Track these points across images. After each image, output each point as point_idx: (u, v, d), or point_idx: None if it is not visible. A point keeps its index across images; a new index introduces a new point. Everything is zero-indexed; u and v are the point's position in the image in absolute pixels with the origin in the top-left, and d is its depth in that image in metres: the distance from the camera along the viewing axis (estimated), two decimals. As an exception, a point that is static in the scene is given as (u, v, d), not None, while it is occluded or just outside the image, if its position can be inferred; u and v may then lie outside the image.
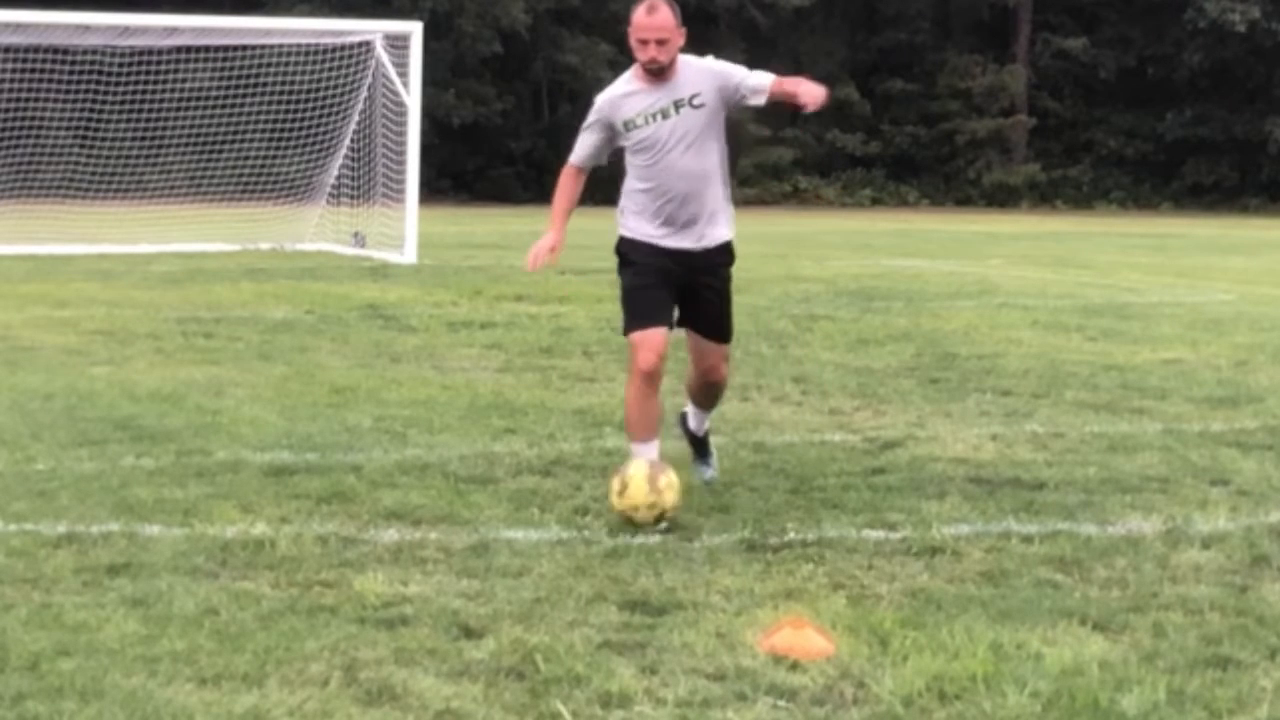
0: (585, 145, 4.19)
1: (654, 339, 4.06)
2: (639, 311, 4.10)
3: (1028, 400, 6.20)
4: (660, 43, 4.00)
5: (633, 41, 4.07)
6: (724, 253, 4.20)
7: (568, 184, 4.20)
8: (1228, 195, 33.34)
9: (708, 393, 4.35)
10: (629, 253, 4.17)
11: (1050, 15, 34.33)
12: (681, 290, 4.15)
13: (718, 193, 4.14)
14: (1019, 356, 7.50)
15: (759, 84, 4.05)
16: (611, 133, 4.13)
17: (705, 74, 4.08)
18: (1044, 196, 33.64)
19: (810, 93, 3.94)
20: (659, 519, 3.88)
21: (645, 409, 4.09)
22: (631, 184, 4.16)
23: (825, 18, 33.41)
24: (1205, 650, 3.10)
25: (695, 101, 4.05)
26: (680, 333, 4.29)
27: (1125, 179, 34.24)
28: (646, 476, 3.88)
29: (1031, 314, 9.50)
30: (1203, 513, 4.25)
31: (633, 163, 4.14)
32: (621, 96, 4.10)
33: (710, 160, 4.10)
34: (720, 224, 4.17)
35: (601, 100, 4.17)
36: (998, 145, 33.99)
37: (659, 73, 4.04)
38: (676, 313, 4.18)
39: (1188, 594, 3.48)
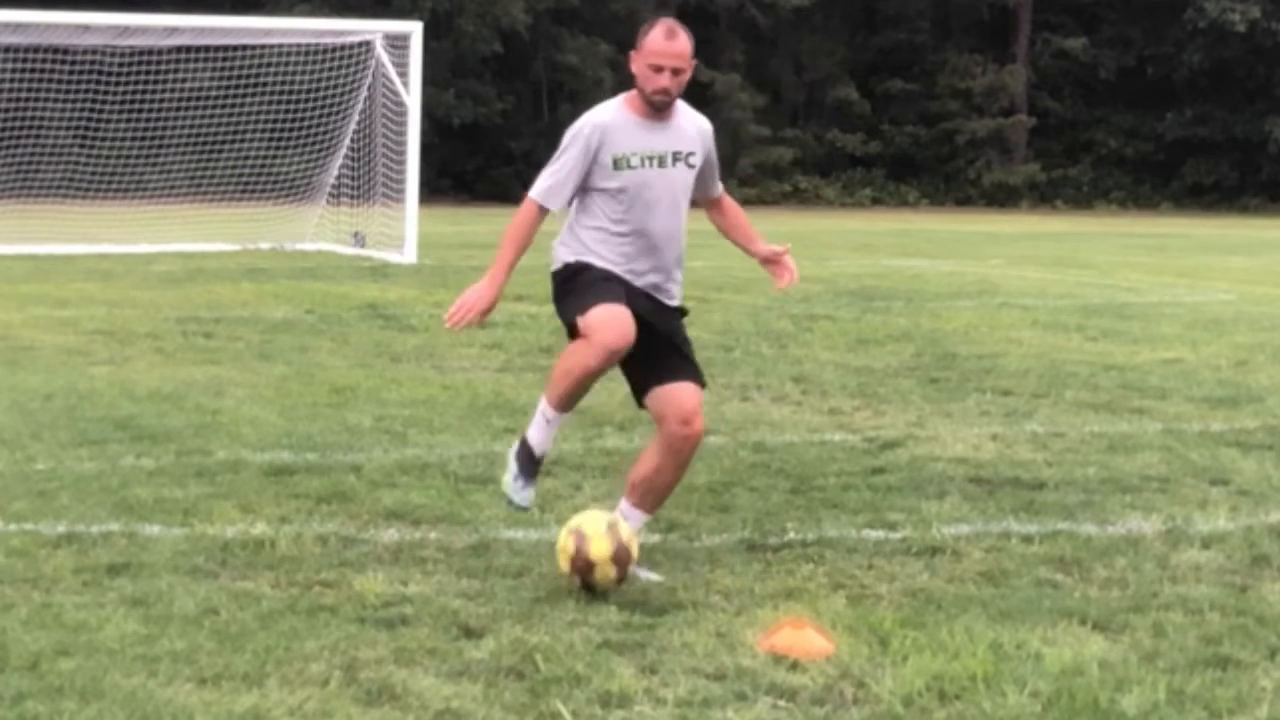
0: (559, 176, 3.53)
1: (618, 315, 3.41)
2: (600, 293, 3.46)
3: (1028, 400, 6.22)
4: (676, 72, 3.49)
5: (641, 67, 3.51)
6: (678, 312, 3.67)
7: (529, 226, 3.52)
8: (1227, 195, 33.53)
9: (671, 468, 3.54)
10: (587, 265, 3.53)
11: (1050, 15, 34.48)
12: (640, 332, 3.47)
13: (679, 255, 3.64)
14: (1019, 356, 7.52)
15: (714, 189, 3.73)
16: (591, 165, 3.52)
17: (703, 137, 3.64)
18: (1044, 196, 33.80)
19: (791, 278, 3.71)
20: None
21: (584, 387, 3.47)
22: (597, 222, 3.56)
23: (825, 18, 33.48)
24: (1205, 650, 3.11)
25: (691, 160, 3.60)
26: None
27: (1125, 179, 34.42)
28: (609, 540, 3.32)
29: (1031, 314, 9.52)
30: (1203, 512, 4.26)
31: (599, 203, 3.55)
32: (618, 127, 3.53)
33: (683, 221, 3.62)
34: (676, 287, 3.65)
35: (589, 124, 3.54)
36: (998, 145, 34.14)
37: (662, 108, 3.53)
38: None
39: (1188, 594, 3.50)
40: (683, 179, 3.60)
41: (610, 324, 3.43)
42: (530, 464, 3.57)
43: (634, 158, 3.53)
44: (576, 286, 3.56)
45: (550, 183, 3.56)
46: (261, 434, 5.16)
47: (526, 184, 3.80)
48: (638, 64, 3.54)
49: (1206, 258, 16.27)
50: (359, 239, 14.89)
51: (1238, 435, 5.48)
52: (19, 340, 7.63)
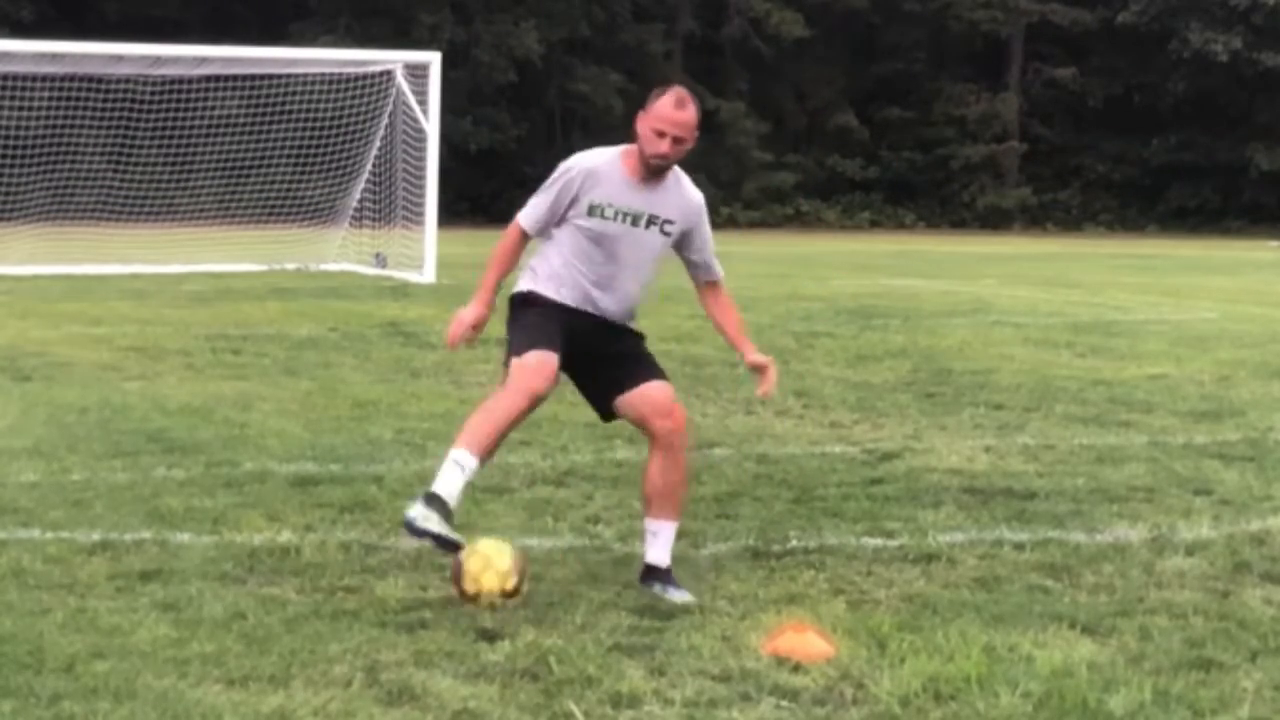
0: (540, 209, 3.61)
1: (547, 362, 3.49)
2: (534, 338, 3.53)
3: (1019, 414, 6.32)
4: (677, 141, 3.52)
5: (646, 129, 3.53)
6: (633, 333, 3.69)
7: (512, 249, 3.63)
8: (1210, 217, 33.92)
9: (671, 466, 3.55)
10: (531, 302, 3.62)
11: (1041, 45, 35.05)
12: (586, 357, 3.58)
13: (634, 308, 3.67)
14: (1011, 372, 7.62)
15: (708, 271, 3.71)
16: (569, 203, 3.57)
17: (688, 209, 3.63)
18: (1035, 219, 34.33)
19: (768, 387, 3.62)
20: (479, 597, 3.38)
21: (506, 428, 3.45)
22: (566, 254, 3.60)
23: (826, 48, 33.97)
24: (1189, 653, 3.19)
25: (667, 229, 3.60)
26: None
27: (1113, 202, 34.91)
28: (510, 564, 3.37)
29: (1023, 331, 9.63)
30: (1186, 521, 4.35)
31: (572, 237, 3.59)
32: (605, 177, 3.57)
33: (645, 284, 3.65)
34: (630, 321, 3.69)
35: (578, 168, 3.59)
36: (991, 170, 34.59)
37: (656, 172, 3.56)
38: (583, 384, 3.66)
39: (1172, 599, 3.58)
40: (653, 242, 3.59)
41: (538, 370, 3.47)
42: (442, 510, 3.37)
43: (609, 209, 3.56)
44: (518, 325, 3.62)
45: (534, 213, 3.64)
46: (287, 446, 5.27)
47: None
48: (643, 125, 3.55)
49: (1190, 277, 16.35)
50: (380, 260, 15.12)
51: (1220, 447, 5.56)
52: (56, 357, 7.76)
